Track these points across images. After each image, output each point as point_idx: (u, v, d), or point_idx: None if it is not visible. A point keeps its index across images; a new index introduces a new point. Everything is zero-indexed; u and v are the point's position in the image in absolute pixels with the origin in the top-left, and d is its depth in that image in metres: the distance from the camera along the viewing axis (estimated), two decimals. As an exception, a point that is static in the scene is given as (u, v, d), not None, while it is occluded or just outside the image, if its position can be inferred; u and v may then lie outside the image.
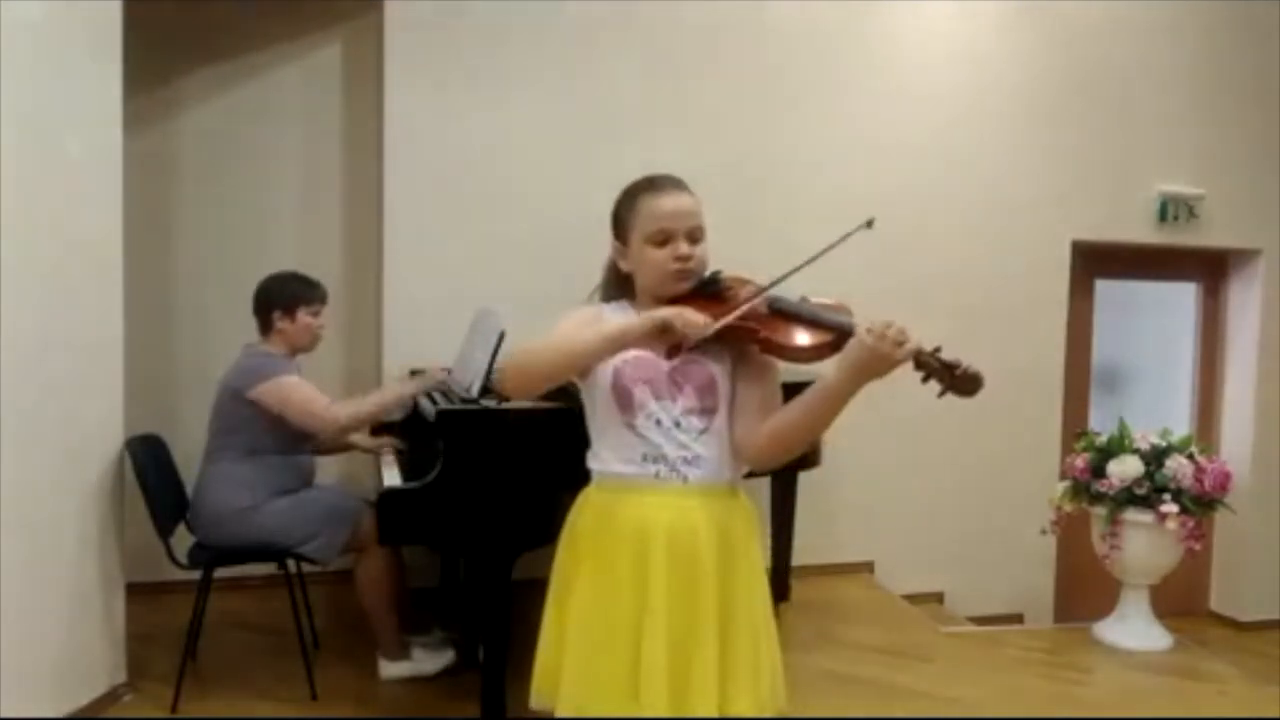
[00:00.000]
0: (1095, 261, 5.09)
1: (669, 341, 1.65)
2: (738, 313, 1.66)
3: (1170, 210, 5.02)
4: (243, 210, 4.22)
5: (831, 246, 1.63)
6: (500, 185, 4.19)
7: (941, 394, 1.58)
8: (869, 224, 1.63)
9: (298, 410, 3.12)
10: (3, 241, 2.58)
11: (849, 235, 1.63)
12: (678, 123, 4.28)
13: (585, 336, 1.69)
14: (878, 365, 1.51)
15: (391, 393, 3.34)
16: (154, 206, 4.04)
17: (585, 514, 1.78)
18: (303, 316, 3.27)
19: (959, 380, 1.55)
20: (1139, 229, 5.01)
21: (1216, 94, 5.06)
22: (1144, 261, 5.21)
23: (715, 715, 1.64)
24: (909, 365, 1.54)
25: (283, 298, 3.26)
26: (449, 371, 3.40)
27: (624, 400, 1.70)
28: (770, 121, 4.48)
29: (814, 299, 1.73)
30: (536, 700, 1.79)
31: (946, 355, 1.56)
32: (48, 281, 2.79)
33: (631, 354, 1.71)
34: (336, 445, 3.54)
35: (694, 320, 1.62)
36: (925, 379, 1.57)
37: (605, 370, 1.72)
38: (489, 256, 4.14)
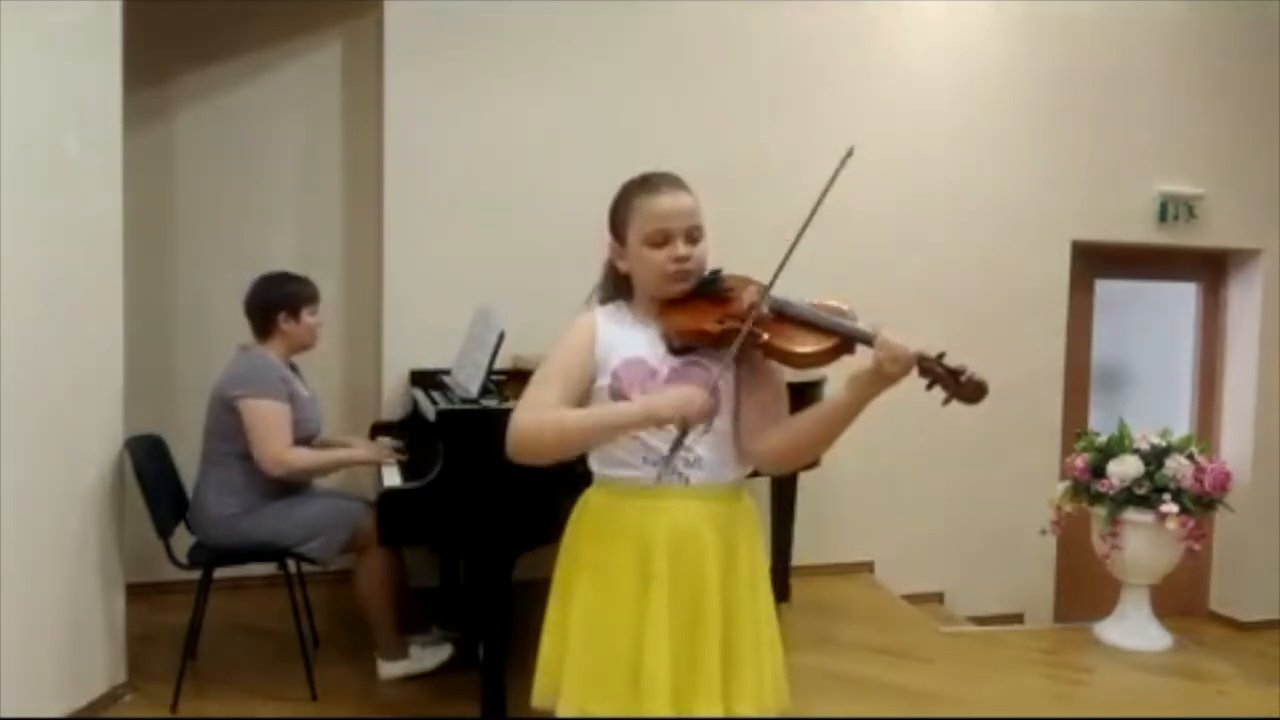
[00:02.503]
0: (1095, 261, 5.09)
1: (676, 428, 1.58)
2: (732, 351, 1.62)
3: (1170, 210, 5.02)
4: (243, 210, 4.22)
5: (820, 198, 1.60)
6: (500, 185, 4.19)
7: (946, 401, 1.56)
8: (849, 153, 1.60)
9: (257, 438, 3.08)
10: (2, 240, 2.58)
11: (835, 177, 1.61)
12: (677, 123, 4.27)
13: (581, 425, 1.64)
14: (888, 376, 1.52)
15: (353, 456, 3.37)
16: (154, 205, 4.04)
17: (586, 516, 1.78)
18: (306, 316, 3.28)
19: (964, 387, 1.53)
20: (1139, 229, 5.01)
21: (1216, 94, 5.05)
22: (1144, 261, 5.21)
23: (718, 716, 1.64)
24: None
25: (286, 299, 3.25)
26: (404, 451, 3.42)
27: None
28: (769, 122, 4.47)
29: (815, 301, 1.70)
30: (538, 699, 1.80)
31: (951, 361, 1.54)
32: (48, 281, 2.79)
33: (628, 357, 1.70)
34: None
35: (695, 415, 1.56)
36: (930, 386, 1.56)
37: (604, 375, 1.70)
38: (489, 257, 4.14)
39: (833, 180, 1.59)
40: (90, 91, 2.99)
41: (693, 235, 1.70)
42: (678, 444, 1.58)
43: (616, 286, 1.80)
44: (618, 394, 1.68)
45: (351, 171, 4.33)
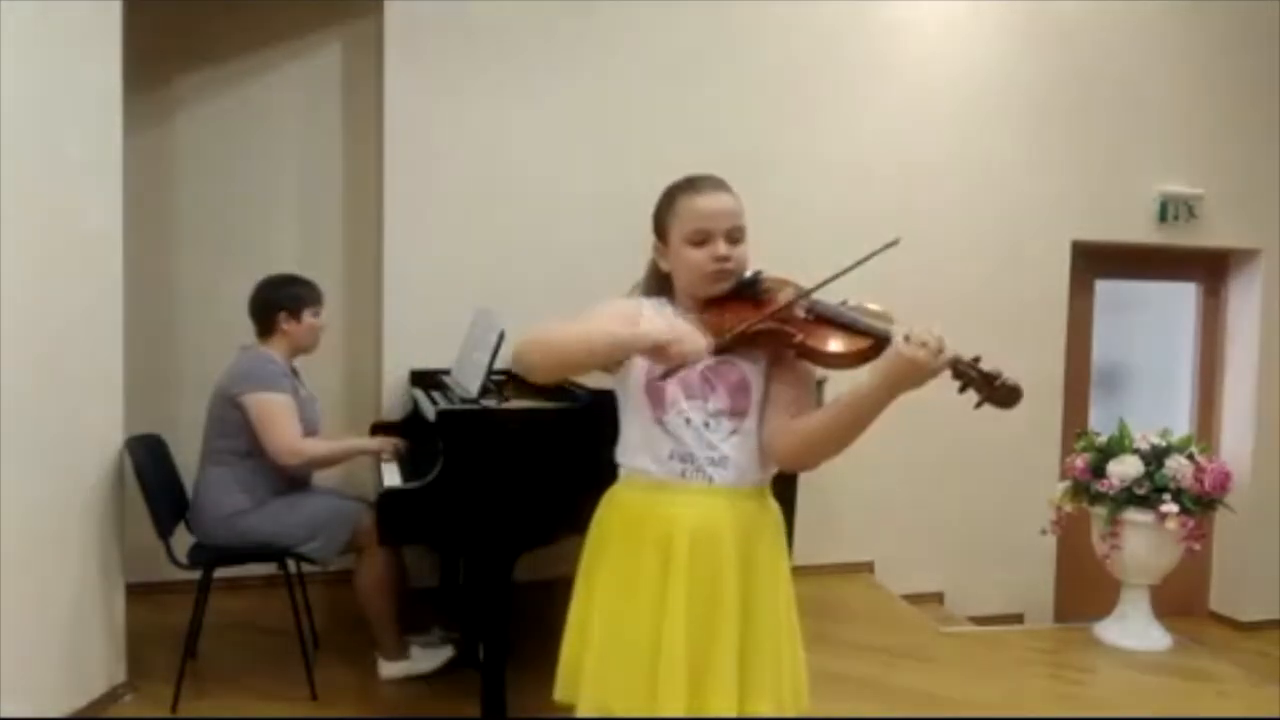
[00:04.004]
0: (1095, 261, 5.09)
1: (664, 363, 1.57)
2: (740, 329, 1.61)
3: (1170, 210, 5.02)
4: (243, 210, 4.22)
5: (861, 262, 1.60)
6: (500, 185, 4.19)
7: (979, 405, 1.56)
8: (894, 243, 1.59)
9: (270, 433, 3.09)
10: (3, 241, 2.58)
11: (878, 252, 1.60)
12: (678, 123, 4.27)
13: (582, 337, 1.64)
14: (916, 374, 1.49)
15: (363, 444, 3.41)
16: (154, 206, 4.04)
17: (611, 511, 1.78)
18: (307, 318, 3.29)
19: (998, 391, 1.53)
20: (1139, 229, 5.01)
21: (1216, 94, 5.06)
22: (1144, 261, 5.21)
23: (735, 715, 1.64)
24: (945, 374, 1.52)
25: (288, 300, 3.26)
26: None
27: (655, 397, 1.69)
28: (770, 123, 4.47)
29: (854, 302, 1.70)
30: (561, 693, 1.80)
31: (986, 366, 1.54)
32: (48, 281, 2.79)
33: None
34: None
35: (690, 349, 1.53)
36: (963, 389, 1.55)
37: (638, 365, 1.70)
38: (489, 256, 4.14)
39: (873, 255, 1.60)
40: (90, 92, 2.98)
41: (733, 236, 1.71)
42: (668, 374, 1.58)
43: (659, 286, 1.80)
44: (653, 385, 1.69)
45: (351, 171, 4.33)
